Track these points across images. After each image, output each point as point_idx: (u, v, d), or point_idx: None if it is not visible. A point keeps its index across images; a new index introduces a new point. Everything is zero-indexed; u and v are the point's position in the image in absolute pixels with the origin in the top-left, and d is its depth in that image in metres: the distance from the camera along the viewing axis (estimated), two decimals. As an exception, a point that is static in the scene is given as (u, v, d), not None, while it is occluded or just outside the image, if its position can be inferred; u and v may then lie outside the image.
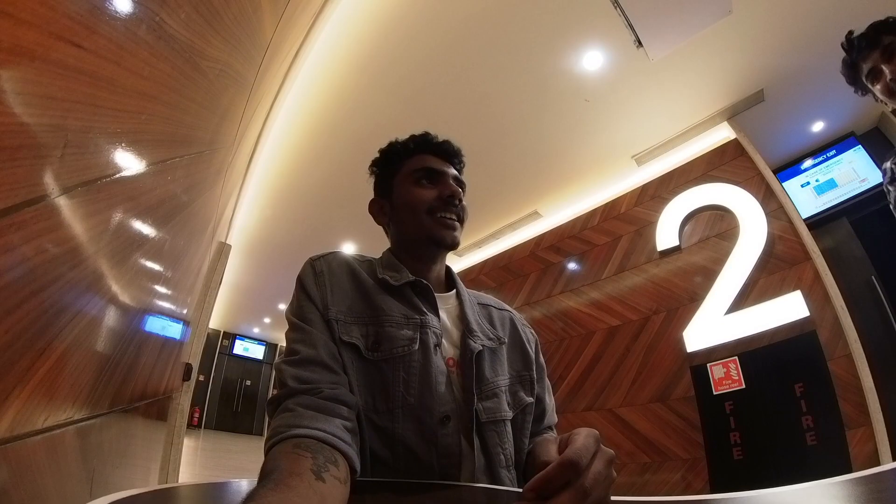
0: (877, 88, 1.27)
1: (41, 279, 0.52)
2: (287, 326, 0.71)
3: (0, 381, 0.50)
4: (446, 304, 0.80)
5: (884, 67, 1.23)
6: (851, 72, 1.33)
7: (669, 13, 2.48)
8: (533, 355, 0.84)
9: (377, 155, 0.89)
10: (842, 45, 1.34)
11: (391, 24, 2.59)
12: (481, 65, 2.87)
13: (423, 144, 0.83)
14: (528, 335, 0.88)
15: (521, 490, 0.58)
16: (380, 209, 0.86)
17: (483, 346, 0.74)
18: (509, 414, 0.73)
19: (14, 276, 0.46)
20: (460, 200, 0.79)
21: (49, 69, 0.43)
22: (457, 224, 0.79)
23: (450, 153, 0.84)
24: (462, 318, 0.78)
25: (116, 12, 0.50)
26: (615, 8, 2.47)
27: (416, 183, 0.80)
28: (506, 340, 0.81)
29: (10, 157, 0.40)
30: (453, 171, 0.83)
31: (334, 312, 0.69)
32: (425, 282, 0.76)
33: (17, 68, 0.39)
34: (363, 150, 0.85)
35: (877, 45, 1.24)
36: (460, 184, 0.83)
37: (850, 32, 1.32)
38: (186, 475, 3.50)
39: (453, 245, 0.78)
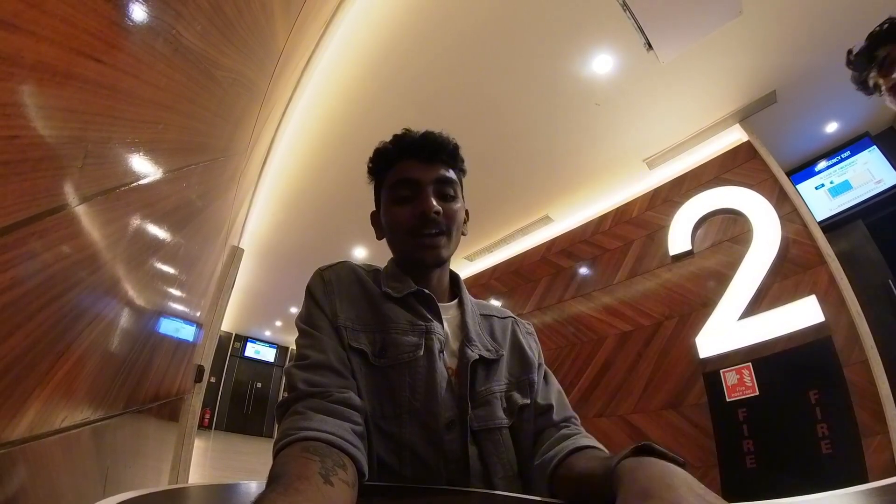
0: (885, 98, 1.27)
1: (61, 285, 0.54)
2: (297, 334, 0.72)
3: (21, 383, 0.51)
4: (447, 313, 0.79)
5: (881, 83, 1.22)
6: (862, 86, 1.32)
7: (679, 15, 2.47)
8: (534, 359, 0.82)
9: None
10: (846, 64, 1.34)
11: (401, 30, 2.61)
12: (491, 70, 2.87)
13: (403, 150, 0.78)
14: (531, 342, 0.86)
15: (527, 497, 0.58)
16: (377, 224, 0.85)
17: (480, 355, 0.74)
18: (505, 421, 0.72)
19: (35, 283, 0.48)
20: (438, 213, 0.73)
21: (70, 83, 0.44)
22: (439, 241, 0.75)
23: (431, 151, 0.77)
24: (462, 328, 0.77)
25: (134, 27, 0.52)
26: (625, 11, 2.47)
27: (394, 200, 0.77)
28: (504, 353, 0.80)
29: (32, 169, 0.42)
30: (435, 174, 0.77)
31: (343, 320, 0.70)
32: (427, 291, 0.76)
33: (40, 83, 0.40)
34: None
35: (872, 61, 1.24)
36: (446, 183, 0.77)
37: (850, 52, 1.31)
38: (196, 475, 3.54)
39: (436, 264, 0.76)
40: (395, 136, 0.80)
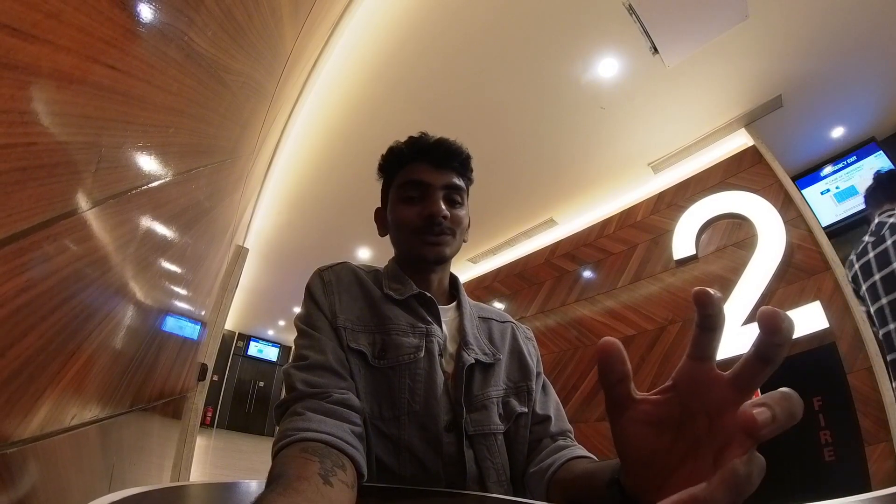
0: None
1: (73, 286, 0.55)
2: (296, 334, 0.72)
3: (34, 383, 0.52)
4: (446, 315, 0.79)
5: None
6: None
7: (685, 19, 2.47)
8: (533, 366, 0.82)
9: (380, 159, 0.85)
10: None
11: (407, 33, 2.63)
12: (497, 73, 2.88)
13: (416, 152, 0.79)
14: (530, 348, 0.86)
15: (528, 501, 0.59)
16: (381, 220, 0.85)
17: (476, 359, 0.74)
18: (500, 427, 0.72)
19: (49, 285, 0.49)
20: (446, 217, 0.74)
21: (85, 90, 0.45)
22: (443, 238, 0.76)
23: (444, 157, 0.78)
24: (460, 330, 0.77)
25: (148, 34, 0.53)
26: (631, 15, 2.47)
27: (402, 199, 0.78)
28: (501, 357, 0.79)
29: (48, 174, 0.43)
30: (445, 180, 0.78)
31: (342, 320, 0.70)
32: (429, 294, 0.76)
33: (57, 91, 0.41)
34: (378, 157, 0.85)
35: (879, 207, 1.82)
36: (454, 190, 0.79)
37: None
38: (197, 473, 3.55)
39: (438, 261, 0.77)
40: (411, 138, 0.81)
